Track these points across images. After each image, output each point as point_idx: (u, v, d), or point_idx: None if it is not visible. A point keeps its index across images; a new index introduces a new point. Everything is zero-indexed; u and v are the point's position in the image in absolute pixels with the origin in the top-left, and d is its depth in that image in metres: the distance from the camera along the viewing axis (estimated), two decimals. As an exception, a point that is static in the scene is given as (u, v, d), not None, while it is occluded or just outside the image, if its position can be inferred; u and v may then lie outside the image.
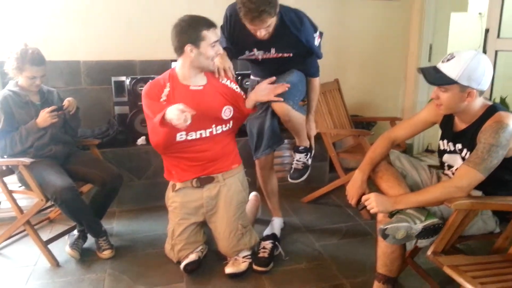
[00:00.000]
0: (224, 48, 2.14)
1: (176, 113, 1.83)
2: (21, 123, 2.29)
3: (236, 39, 2.17)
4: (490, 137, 1.56)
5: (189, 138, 2.07)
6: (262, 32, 2.00)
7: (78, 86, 3.17)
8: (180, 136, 2.06)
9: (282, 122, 2.23)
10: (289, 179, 2.38)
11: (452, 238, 1.64)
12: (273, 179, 2.53)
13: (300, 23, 2.10)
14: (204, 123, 2.06)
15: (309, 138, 2.42)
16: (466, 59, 1.59)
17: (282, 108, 2.09)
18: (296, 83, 2.19)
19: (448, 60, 1.63)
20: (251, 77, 2.47)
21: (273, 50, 2.16)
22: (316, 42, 2.17)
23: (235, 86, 2.18)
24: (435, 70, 1.66)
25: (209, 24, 1.97)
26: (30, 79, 2.28)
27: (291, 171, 2.39)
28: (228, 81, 2.15)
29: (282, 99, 2.07)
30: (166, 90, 2.06)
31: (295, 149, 2.39)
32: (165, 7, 3.21)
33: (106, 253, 2.36)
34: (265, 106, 2.29)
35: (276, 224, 2.56)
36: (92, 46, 3.15)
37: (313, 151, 2.43)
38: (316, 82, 2.37)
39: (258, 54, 2.18)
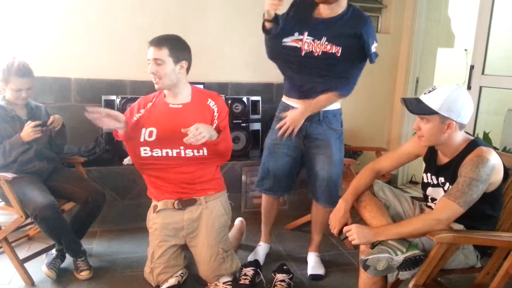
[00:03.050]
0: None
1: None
2: (6, 138, 2.26)
3: (294, 16, 2.15)
4: (470, 171, 1.59)
5: (154, 154, 2.06)
6: None
7: (68, 103, 3.16)
8: (145, 152, 2.06)
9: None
10: None
11: (433, 271, 1.63)
12: (276, 208, 2.54)
13: (365, 21, 2.11)
14: (172, 143, 2.04)
15: None
16: (447, 91, 1.64)
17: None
18: (339, 178, 2.33)
19: (430, 91, 1.68)
20: (283, 99, 2.34)
21: (323, 39, 2.10)
22: (373, 48, 2.14)
23: (216, 113, 2.10)
24: (417, 100, 1.70)
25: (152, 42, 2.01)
26: (15, 91, 2.27)
27: None
28: (216, 105, 2.11)
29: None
30: (149, 104, 2.11)
31: (278, 269, 2.30)
32: (158, 29, 3.22)
33: (84, 274, 2.30)
34: (288, 149, 2.30)
35: (262, 250, 2.57)
36: (84, 64, 3.16)
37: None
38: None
39: (306, 40, 2.11)
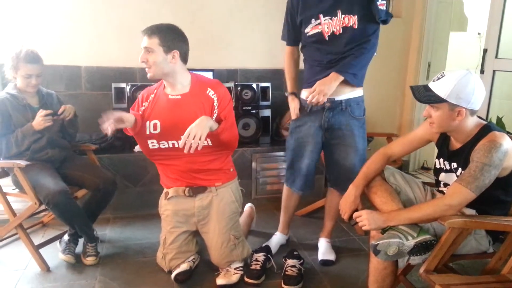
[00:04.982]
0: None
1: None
2: (17, 126, 2.29)
3: (302, 11, 2.16)
4: (483, 156, 1.57)
5: (161, 146, 2.06)
6: None
7: (78, 91, 3.18)
8: (152, 144, 2.07)
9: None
10: (284, 286, 2.15)
11: (444, 256, 1.63)
12: (296, 198, 2.50)
13: None
14: (176, 134, 2.00)
15: None
16: (455, 78, 1.61)
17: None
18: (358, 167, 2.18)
19: (438, 79, 1.65)
20: (302, 95, 2.30)
21: (339, 13, 2.08)
22: (379, 5, 2.07)
23: (216, 102, 2.03)
24: (426, 88, 1.68)
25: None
26: (25, 78, 2.29)
27: (285, 278, 2.17)
28: (215, 95, 2.05)
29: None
30: (151, 96, 2.10)
31: (289, 254, 2.31)
32: (167, 17, 3.22)
33: (90, 260, 2.33)
34: (313, 146, 2.28)
35: (277, 239, 2.57)
36: (93, 52, 3.17)
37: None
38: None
39: (324, 22, 2.10)
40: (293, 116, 2.29)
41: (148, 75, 2.03)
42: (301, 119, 2.29)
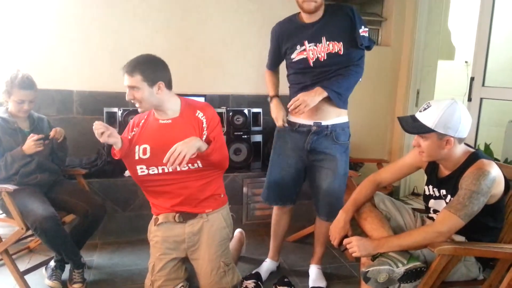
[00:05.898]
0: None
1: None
2: (7, 150, 2.27)
3: (287, 40, 2.20)
4: (471, 184, 1.59)
5: (151, 172, 2.04)
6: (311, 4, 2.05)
7: (70, 115, 3.18)
8: (141, 170, 2.05)
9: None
10: None
11: (435, 283, 1.63)
12: (285, 222, 2.50)
13: (350, 5, 2.17)
14: None
15: None
16: (441, 108, 1.64)
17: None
18: (342, 192, 2.26)
19: (425, 109, 1.69)
20: (289, 117, 2.30)
21: (324, 40, 2.11)
22: (361, 32, 2.13)
23: (205, 124, 2.05)
24: (413, 119, 1.71)
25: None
26: (18, 103, 2.29)
27: None
28: (204, 117, 2.06)
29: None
30: (142, 122, 2.10)
31: (279, 281, 2.32)
32: (159, 43, 3.27)
33: (76, 287, 2.29)
34: (292, 160, 2.30)
35: (267, 266, 2.54)
36: (86, 77, 3.19)
37: None
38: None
39: (309, 48, 2.13)
40: (279, 124, 2.25)
41: (140, 110, 2.04)
42: (287, 132, 2.29)
